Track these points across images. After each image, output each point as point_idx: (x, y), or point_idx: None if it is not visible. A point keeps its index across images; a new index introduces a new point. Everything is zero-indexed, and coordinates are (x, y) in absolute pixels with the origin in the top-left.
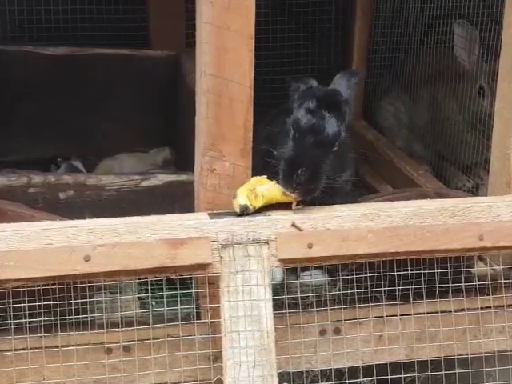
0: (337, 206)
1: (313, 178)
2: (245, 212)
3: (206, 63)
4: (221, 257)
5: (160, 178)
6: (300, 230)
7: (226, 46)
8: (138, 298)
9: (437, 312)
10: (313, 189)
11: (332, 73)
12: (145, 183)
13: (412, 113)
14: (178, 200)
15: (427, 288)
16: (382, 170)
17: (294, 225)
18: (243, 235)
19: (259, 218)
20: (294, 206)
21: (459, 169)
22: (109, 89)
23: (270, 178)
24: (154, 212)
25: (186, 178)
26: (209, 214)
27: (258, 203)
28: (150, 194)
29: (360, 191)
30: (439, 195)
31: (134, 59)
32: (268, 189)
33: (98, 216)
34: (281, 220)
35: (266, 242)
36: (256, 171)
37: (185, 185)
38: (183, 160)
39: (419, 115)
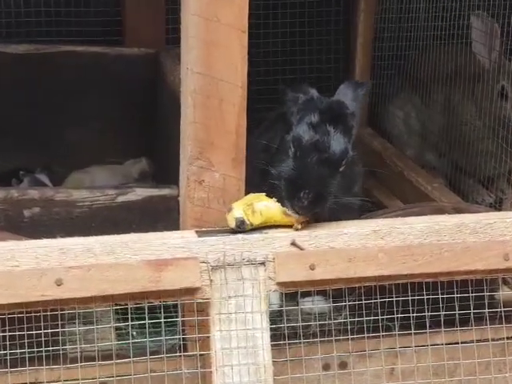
0: (343, 223)
1: (318, 200)
2: (241, 227)
3: (192, 60)
4: (211, 280)
5: (138, 193)
6: (301, 249)
7: (216, 40)
8: (117, 327)
9: (456, 343)
10: (318, 213)
11: (331, 74)
12: (121, 198)
13: (424, 118)
14: (160, 217)
15: (445, 315)
16: (391, 183)
17: (294, 243)
18: (236, 255)
19: (255, 235)
20: (295, 227)
21: (479, 181)
22: (78, 92)
23: (268, 195)
24: (131, 231)
25: (169, 193)
26: (196, 232)
27: (256, 220)
28: (127, 211)
29: (366, 207)
30: (458, 210)
31: (107, 58)
32: (267, 206)
33: (68, 236)
34: (279, 238)
35: (263, 263)
36: (251, 186)
37: (167, 200)
38: (164, 172)
39: (433, 120)
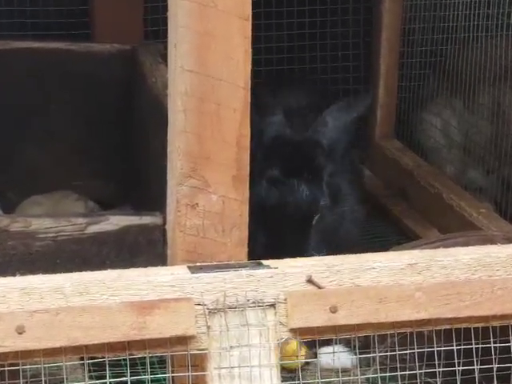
0: (369, 255)
1: None
2: None
3: (183, 55)
4: (208, 326)
5: (114, 222)
6: (319, 287)
7: (212, 30)
8: None
9: None
10: None
11: (349, 75)
12: (92, 228)
13: (468, 127)
14: (140, 252)
15: (500, 370)
16: (427, 208)
17: (310, 280)
18: (239, 296)
19: (261, 271)
20: None
21: None
22: (36, 98)
23: None
24: (104, 269)
25: (151, 221)
26: (189, 268)
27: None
28: (99, 244)
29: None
30: (511, 241)
31: (72, 56)
32: None
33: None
34: (292, 274)
35: (272, 306)
36: None
37: (149, 230)
38: (144, 196)
39: (478, 130)
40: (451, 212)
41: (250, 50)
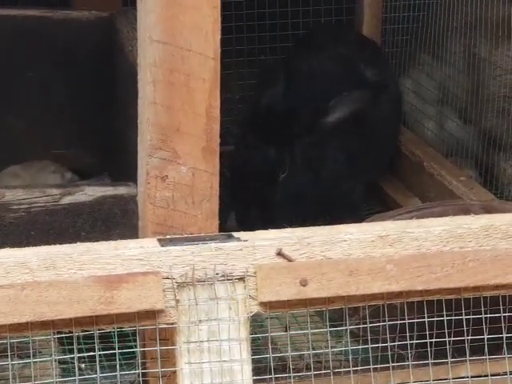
0: (341, 227)
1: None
2: None
3: (151, 25)
4: (177, 300)
5: (89, 192)
6: (289, 260)
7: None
8: (61, 360)
9: (486, 375)
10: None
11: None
12: (67, 199)
13: (441, 79)
14: (116, 223)
15: (471, 341)
16: (408, 176)
17: (280, 253)
18: (208, 269)
19: (231, 243)
20: None
21: None
22: (13, 68)
23: None
24: (79, 241)
25: (127, 192)
26: (158, 240)
27: None
28: (74, 215)
29: (374, 207)
30: (488, 210)
31: (49, 24)
32: None
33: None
34: (262, 247)
35: (242, 279)
36: None
37: (124, 201)
38: (122, 166)
39: (454, 81)
40: (431, 180)
41: (219, 19)
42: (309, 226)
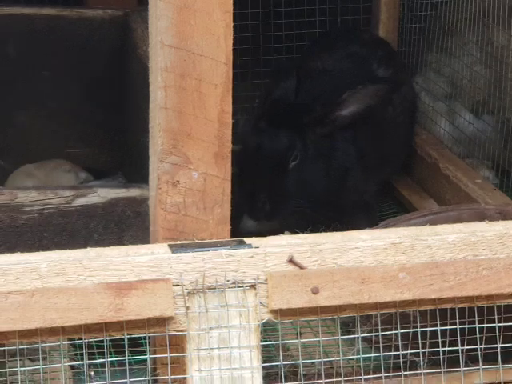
0: (354, 233)
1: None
2: None
3: (162, 29)
4: (187, 307)
5: (101, 194)
6: (301, 267)
7: (192, 4)
8: (71, 366)
9: (499, 383)
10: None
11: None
12: (79, 201)
13: (456, 74)
14: (128, 225)
15: (485, 349)
16: (423, 178)
17: (291, 260)
18: (219, 276)
19: (242, 250)
20: None
21: None
22: (26, 65)
23: None
24: (92, 243)
25: (139, 194)
26: (169, 246)
27: None
28: (86, 217)
29: (390, 208)
30: (504, 215)
31: (63, 22)
32: None
33: (12, 251)
34: (273, 254)
35: (253, 286)
36: None
37: (137, 203)
38: (136, 166)
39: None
40: (447, 182)
41: (232, 24)
42: (320, 223)
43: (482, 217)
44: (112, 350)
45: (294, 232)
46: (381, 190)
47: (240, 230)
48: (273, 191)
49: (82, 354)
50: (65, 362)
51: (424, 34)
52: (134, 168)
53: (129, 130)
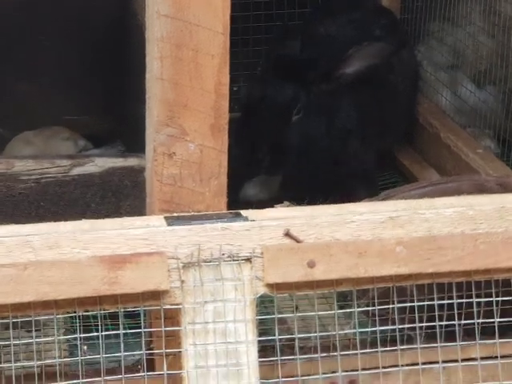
0: (351, 206)
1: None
2: None
3: None
4: (182, 281)
5: (99, 164)
6: (297, 241)
7: None
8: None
9: (495, 357)
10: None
11: None
12: (77, 170)
13: (460, 43)
14: (126, 195)
15: (482, 323)
16: (425, 147)
17: (288, 234)
18: (214, 249)
19: (237, 223)
20: None
21: None
22: (26, 34)
23: None
24: (89, 213)
25: (137, 163)
26: (165, 218)
27: None
28: (84, 187)
29: (391, 177)
30: (504, 187)
31: None
32: None
33: (8, 220)
34: (269, 227)
35: (248, 260)
36: None
37: (135, 172)
38: (135, 134)
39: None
40: (448, 152)
41: None
42: (320, 191)
43: (481, 189)
44: (109, 321)
45: (293, 202)
46: (382, 160)
47: (240, 199)
48: (274, 143)
49: (78, 326)
50: (58, 335)
51: (427, 1)
52: (134, 136)
53: (128, 98)
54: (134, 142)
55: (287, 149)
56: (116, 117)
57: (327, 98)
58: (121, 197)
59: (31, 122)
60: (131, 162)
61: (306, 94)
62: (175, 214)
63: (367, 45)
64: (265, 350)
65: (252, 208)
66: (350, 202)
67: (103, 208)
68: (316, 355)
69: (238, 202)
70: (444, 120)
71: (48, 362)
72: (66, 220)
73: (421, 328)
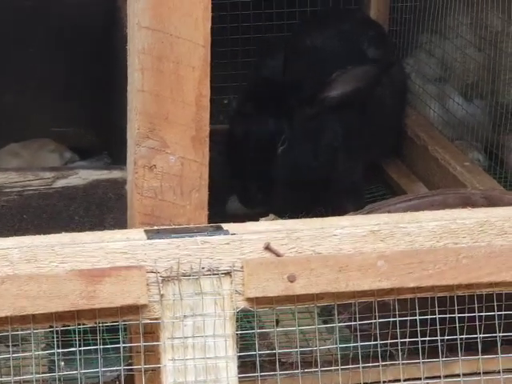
0: (334, 219)
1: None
2: None
3: (139, 11)
4: (161, 295)
5: (83, 176)
6: (278, 255)
7: None
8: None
9: (478, 373)
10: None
11: None
12: (60, 183)
13: (447, 56)
14: (110, 208)
15: (465, 339)
16: (413, 160)
17: (268, 248)
18: (194, 263)
19: (217, 237)
20: None
21: None
22: (14, 44)
23: None
24: (73, 226)
25: (121, 176)
26: (145, 232)
27: None
28: (67, 199)
29: (379, 190)
30: (489, 200)
31: (50, 2)
32: None
33: None
34: (249, 241)
35: (228, 274)
36: None
37: (119, 185)
38: (122, 147)
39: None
40: (436, 165)
41: (210, 6)
42: (308, 205)
43: (467, 201)
44: (89, 335)
45: (279, 215)
46: (370, 173)
47: (227, 212)
48: (263, 178)
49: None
50: (38, 350)
51: (416, 14)
52: (120, 148)
53: (115, 109)
54: (121, 155)
55: (276, 181)
56: (103, 129)
57: (311, 122)
58: (104, 209)
59: (18, 134)
60: (115, 174)
61: (289, 121)
62: (155, 228)
63: (351, 69)
64: (245, 365)
65: (238, 221)
66: (337, 215)
67: (87, 221)
68: (297, 371)
69: (224, 215)
70: (432, 133)
71: (25, 377)
72: (49, 233)
73: (403, 344)
